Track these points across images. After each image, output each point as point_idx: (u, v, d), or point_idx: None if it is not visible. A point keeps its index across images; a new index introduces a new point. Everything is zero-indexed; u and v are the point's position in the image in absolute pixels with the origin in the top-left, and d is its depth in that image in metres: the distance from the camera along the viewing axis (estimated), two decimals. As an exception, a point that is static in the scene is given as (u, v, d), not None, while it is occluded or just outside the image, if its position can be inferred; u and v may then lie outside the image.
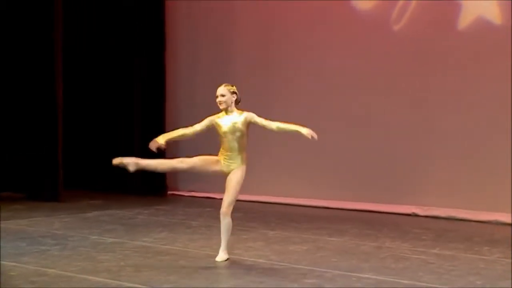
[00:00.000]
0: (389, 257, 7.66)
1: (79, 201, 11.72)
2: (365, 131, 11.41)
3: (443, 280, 6.68)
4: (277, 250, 7.96)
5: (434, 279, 6.70)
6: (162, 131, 12.46)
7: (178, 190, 12.99)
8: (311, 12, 11.89)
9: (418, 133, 11.06)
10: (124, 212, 10.70)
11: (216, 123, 7.33)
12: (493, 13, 10.56)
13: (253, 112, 7.35)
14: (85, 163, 13.34)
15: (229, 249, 7.41)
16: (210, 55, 12.77)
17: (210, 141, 7.65)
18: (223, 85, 7.38)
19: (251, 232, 9.05)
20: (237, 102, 7.36)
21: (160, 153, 7.70)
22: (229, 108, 7.31)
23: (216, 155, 7.36)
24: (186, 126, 7.46)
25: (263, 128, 7.30)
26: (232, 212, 7.28)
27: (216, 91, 7.34)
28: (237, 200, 7.37)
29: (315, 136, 7.11)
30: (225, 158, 7.30)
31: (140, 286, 6.35)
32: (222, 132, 7.29)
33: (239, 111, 7.33)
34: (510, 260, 7.52)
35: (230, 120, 7.28)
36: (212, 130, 7.37)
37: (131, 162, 7.59)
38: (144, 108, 12.87)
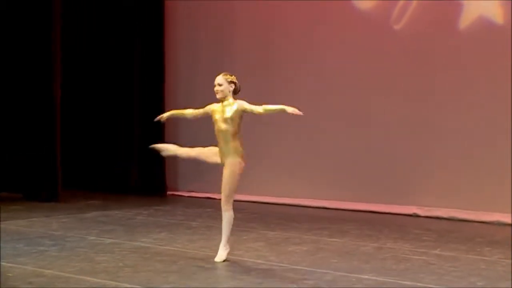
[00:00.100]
0: (390, 258, 7.63)
1: (78, 201, 11.69)
2: (366, 131, 11.38)
3: (444, 281, 6.64)
4: (277, 251, 7.93)
5: (435, 280, 6.67)
6: (162, 131, 12.58)
7: (177, 190, 12.96)
8: (311, 12, 11.87)
9: (419, 133, 11.02)
10: (123, 213, 10.66)
11: (212, 110, 7.35)
12: (494, 12, 10.52)
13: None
14: (84, 163, 13.31)
15: (229, 250, 7.35)
16: (210, 55, 12.74)
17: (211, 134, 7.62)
18: (222, 74, 7.34)
19: (250, 233, 9.01)
20: (236, 92, 7.32)
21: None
22: (226, 98, 7.26)
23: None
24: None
25: (252, 113, 7.23)
26: (233, 212, 7.24)
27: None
28: (237, 201, 7.33)
29: (300, 113, 6.99)
30: (219, 149, 7.28)
31: (138, 287, 6.31)
32: (214, 120, 7.30)
33: (235, 101, 7.27)
34: (511, 261, 7.48)
35: (222, 109, 7.25)
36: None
37: (165, 149, 7.76)
38: (144, 108, 12.83)
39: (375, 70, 11.33)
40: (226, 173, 7.22)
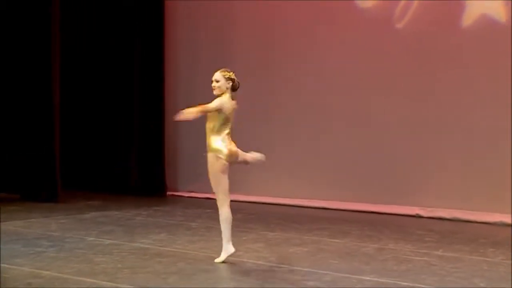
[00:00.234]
0: (391, 259, 7.59)
1: (77, 201, 11.65)
2: (367, 131, 11.34)
3: (446, 282, 6.61)
4: (277, 252, 7.89)
5: (437, 281, 6.63)
6: (162, 131, 12.55)
7: (177, 191, 12.92)
8: (312, 11, 11.83)
9: (421, 133, 10.98)
10: (122, 213, 10.63)
11: None
12: (497, 11, 10.47)
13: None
14: (83, 164, 13.28)
15: (232, 251, 7.26)
16: (210, 55, 12.69)
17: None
18: (220, 70, 7.26)
19: (250, 233, 8.96)
20: (234, 89, 7.23)
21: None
22: (224, 94, 7.17)
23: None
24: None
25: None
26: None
27: None
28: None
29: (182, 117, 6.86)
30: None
31: (137, 288, 6.27)
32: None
33: (224, 98, 7.15)
34: None
35: None
36: None
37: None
38: (144, 108, 12.81)
39: (376, 69, 11.29)
40: (208, 170, 7.15)
